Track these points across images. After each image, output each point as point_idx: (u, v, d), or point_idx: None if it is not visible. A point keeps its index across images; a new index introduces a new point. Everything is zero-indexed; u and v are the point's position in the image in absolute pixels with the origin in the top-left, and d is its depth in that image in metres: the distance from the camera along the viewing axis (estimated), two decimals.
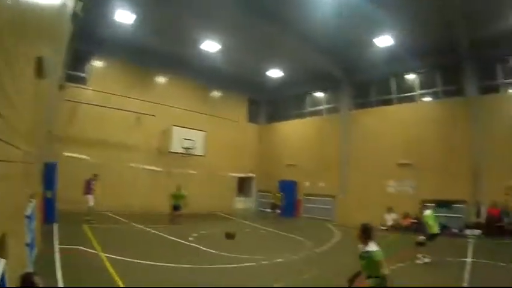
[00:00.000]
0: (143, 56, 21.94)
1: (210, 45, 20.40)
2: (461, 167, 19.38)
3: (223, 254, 11.32)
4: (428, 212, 12.37)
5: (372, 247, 5.99)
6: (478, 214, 17.83)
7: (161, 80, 24.27)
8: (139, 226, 16.12)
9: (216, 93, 27.42)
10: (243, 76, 26.41)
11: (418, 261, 11.33)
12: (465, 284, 8.97)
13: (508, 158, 17.73)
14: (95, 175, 16.52)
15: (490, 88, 19.71)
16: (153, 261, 9.60)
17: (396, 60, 21.44)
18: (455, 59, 20.18)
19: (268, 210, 24.41)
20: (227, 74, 25.40)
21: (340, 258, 11.88)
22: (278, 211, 23.37)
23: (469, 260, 11.94)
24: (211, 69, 24.29)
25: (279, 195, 24.03)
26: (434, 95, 21.95)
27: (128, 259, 9.61)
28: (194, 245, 12.79)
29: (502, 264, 10.89)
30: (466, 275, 9.90)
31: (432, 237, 11.75)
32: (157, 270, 9.08)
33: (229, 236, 14.36)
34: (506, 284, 9.09)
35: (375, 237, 6.26)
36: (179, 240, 13.46)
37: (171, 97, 23.76)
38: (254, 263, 10.47)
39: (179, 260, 9.91)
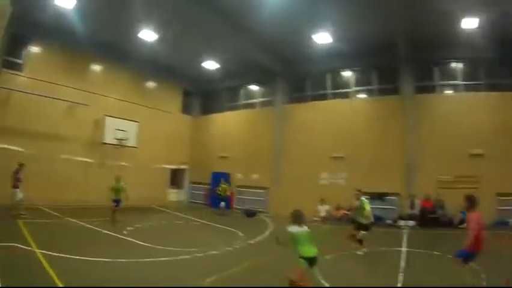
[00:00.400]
0: (80, 43, 20.90)
1: (147, 34, 19.94)
2: (395, 161, 20.83)
3: (158, 247, 11.40)
4: (364, 199, 13.20)
5: (293, 229, 7.18)
6: (412, 206, 18.99)
7: (96, 68, 23.43)
8: (74, 220, 15.67)
9: (151, 84, 27.02)
10: (178, 67, 26.27)
11: (359, 252, 12.05)
12: (401, 273, 9.42)
13: (439, 154, 19.76)
14: (21, 164, 15.65)
15: (425, 88, 21.55)
16: (90, 257, 9.49)
17: (333, 57, 22.53)
18: (393, 59, 21.54)
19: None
20: (163, 65, 25.13)
21: (273, 249, 12.37)
22: (223, 204, 22.91)
23: (404, 249, 12.71)
24: (147, 59, 23.99)
25: (225, 186, 23.64)
26: (370, 92, 23.20)
27: (65, 255, 9.41)
28: (129, 239, 12.71)
29: (436, 253, 11.67)
30: (402, 264, 10.53)
31: (368, 226, 12.58)
32: (95, 266, 8.96)
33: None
34: (442, 272, 9.79)
35: (304, 222, 7.35)
36: (114, 234, 13.30)
37: (106, 86, 23.20)
38: (188, 256, 10.64)
39: (115, 255, 9.74)
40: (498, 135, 19.33)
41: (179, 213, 20.96)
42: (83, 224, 15.25)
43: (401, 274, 9.38)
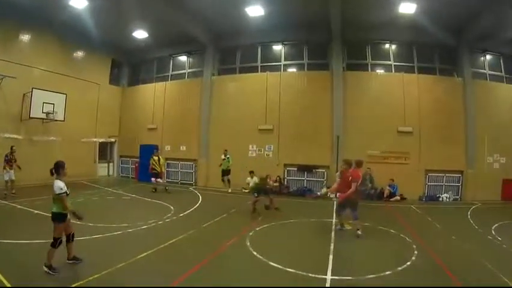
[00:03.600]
0: (4, 10, 20.02)
1: (77, 1, 19.42)
2: (323, 135, 22.50)
3: (89, 224, 11.17)
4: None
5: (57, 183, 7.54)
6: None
7: (23, 37, 22.26)
8: (4, 202, 15.41)
9: (79, 54, 26.17)
10: (107, 36, 25.63)
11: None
12: (332, 244, 10.35)
13: (368, 130, 21.62)
14: None
15: (357, 66, 23.23)
16: (19, 240, 9.51)
17: (264, 30, 23.30)
18: (325, 35, 22.65)
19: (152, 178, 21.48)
20: (92, 34, 24.15)
21: (202, 221, 13.11)
22: (160, 180, 21.56)
23: (335, 220, 13.51)
24: (75, 28, 23.22)
25: (156, 158, 21.85)
26: (300, 66, 24.28)
27: None
28: None
29: (366, 224, 12.54)
30: (332, 235, 11.60)
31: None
32: (25, 248, 9.02)
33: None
34: (369, 241, 10.95)
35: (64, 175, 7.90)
36: (44, 213, 12.65)
37: (33, 57, 22.22)
38: (121, 232, 10.97)
39: (46, 236, 8.95)
40: (427, 115, 21.84)
41: (109, 189, 20.92)
42: (14, 205, 15.01)
43: (332, 243, 10.43)
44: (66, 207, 7.50)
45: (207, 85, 25.50)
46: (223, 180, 22.27)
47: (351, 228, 12.00)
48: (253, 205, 15.09)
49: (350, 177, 11.65)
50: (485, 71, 23.46)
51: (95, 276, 7.20)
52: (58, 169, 7.88)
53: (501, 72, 23.51)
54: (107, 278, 7.20)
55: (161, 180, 21.62)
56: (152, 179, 21.21)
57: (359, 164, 12.33)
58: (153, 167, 21.45)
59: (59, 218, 7.56)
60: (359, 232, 11.30)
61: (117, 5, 20.68)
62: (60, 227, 7.56)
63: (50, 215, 7.61)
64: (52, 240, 7.42)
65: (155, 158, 21.63)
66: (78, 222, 8.93)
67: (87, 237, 10.08)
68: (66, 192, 7.57)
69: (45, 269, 7.26)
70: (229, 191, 21.72)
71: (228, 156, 22.19)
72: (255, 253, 9.21)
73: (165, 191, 20.60)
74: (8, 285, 6.61)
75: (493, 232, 12.60)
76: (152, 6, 20.68)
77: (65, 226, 7.68)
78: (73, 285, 6.81)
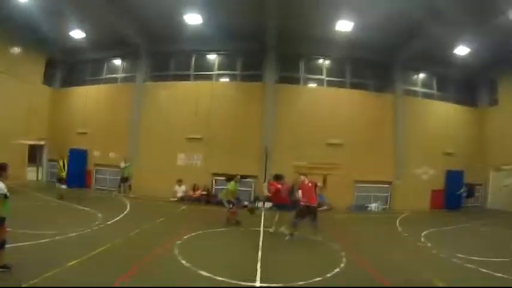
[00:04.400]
0: None
1: None
2: (253, 145, 23.68)
3: (16, 231, 10.39)
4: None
5: None
6: (269, 189, 20.81)
7: None
8: None
9: (14, 50, 25.41)
10: (44, 33, 24.82)
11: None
12: (260, 252, 10.83)
13: (297, 141, 23.07)
14: None
15: (289, 79, 24.42)
16: None
17: (200, 39, 23.98)
18: (259, 48, 23.83)
19: (57, 183, 20.29)
20: (28, 29, 23.69)
21: (130, 229, 13.27)
22: (63, 186, 19.91)
23: (262, 229, 14.56)
24: (13, 22, 22.59)
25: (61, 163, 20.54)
26: (233, 77, 25.31)
27: None
28: None
29: (297, 233, 13.13)
30: (260, 243, 12.16)
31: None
32: None
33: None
34: (294, 248, 11.65)
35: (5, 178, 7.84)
36: None
37: None
38: (48, 239, 10.71)
39: None
40: (358, 128, 23.70)
41: (38, 194, 20.56)
42: None
43: (260, 251, 10.94)
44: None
45: (139, 91, 26.29)
46: (119, 186, 23.42)
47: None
48: (234, 217, 15.67)
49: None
50: (417, 89, 25.76)
51: (23, 285, 7.05)
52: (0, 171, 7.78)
53: (433, 90, 25.72)
54: None
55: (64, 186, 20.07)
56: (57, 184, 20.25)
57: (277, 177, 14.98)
58: (59, 172, 20.49)
59: None
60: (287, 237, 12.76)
61: (55, 2, 20.75)
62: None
63: None
64: None
65: (60, 163, 20.49)
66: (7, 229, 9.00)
67: (15, 244, 9.88)
68: (6, 194, 7.60)
69: None
70: (131, 195, 22.04)
71: (128, 164, 23.38)
72: (183, 262, 9.43)
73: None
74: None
75: (422, 239, 13.92)
76: (90, 4, 20.71)
77: (2, 230, 7.69)
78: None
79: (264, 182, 20.86)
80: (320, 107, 23.64)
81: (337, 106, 23.63)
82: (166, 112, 25.12)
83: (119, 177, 23.48)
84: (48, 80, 29.18)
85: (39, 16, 21.91)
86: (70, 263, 8.55)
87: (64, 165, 20.33)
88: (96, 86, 28.04)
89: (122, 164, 23.14)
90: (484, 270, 9.81)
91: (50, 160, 28.26)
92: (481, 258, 11.00)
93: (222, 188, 21.87)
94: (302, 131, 23.23)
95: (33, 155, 28.20)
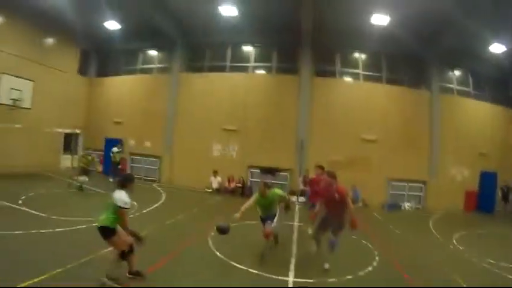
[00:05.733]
0: None
1: None
2: (288, 138, 23.34)
3: (53, 217, 11.52)
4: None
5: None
6: (305, 182, 19.53)
7: None
8: None
9: (49, 41, 25.89)
10: (79, 24, 25.13)
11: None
12: (294, 247, 10.81)
13: (332, 135, 22.71)
14: None
15: (325, 72, 24.07)
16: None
17: (236, 31, 23.74)
18: (295, 40, 23.48)
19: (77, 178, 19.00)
20: (63, 21, 24.00)
21: (165, 218, 13.49)
22: (85, 178, 18.84)
23: (296, 223, 14.44)
24: (46, 14, 22.97)
25: (90, 158, 19.97)
26: (268, 69, 25.12)
27: None
28: (24, 208, 12.66)
29: None
30: (294, 237, 12.14)
31: None
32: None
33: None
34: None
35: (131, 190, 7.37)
36: (8, 204, 13.15)
37: (1, 40, 21.94)
38: (85, 226, 10.86)
39: (11, 227, 9.81)
40: (392, 125, 22.99)
41: (73, 181, 20.93)
42: None
43: (293, 246, 10.88)
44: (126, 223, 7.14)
45: (175, 82, 26.16)
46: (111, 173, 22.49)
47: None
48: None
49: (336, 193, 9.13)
50: (453, 86, 24.93)
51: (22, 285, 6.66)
52: (126, 182, 7.41)
53: (469, 87, 24.87)
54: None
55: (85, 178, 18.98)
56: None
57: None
58: (83, 165, 19.38)
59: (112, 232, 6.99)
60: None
61: None
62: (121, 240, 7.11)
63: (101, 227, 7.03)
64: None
65: (88, 157, 19.87)
66: (42, 215, 8.94)
67: (51, 230, 10.21)
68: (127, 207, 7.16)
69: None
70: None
71: (120, 149, 23.59)
72: (217, 253, 9.52)
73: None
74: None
75: (455, 242, 13.50)
76: None
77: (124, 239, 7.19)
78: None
79: (300, 176, 20.67)
80: (355, 102, 23.20)
81: (372, 101, 23.19)
82: (201, 103, 25.05)
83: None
84: (83, 69, 29.62)
85: (73, 7, 22.25)
86: (105, 250, 8.36)
87: (92, 159, 20.05)
88: (131, 76, 28.22)
89: (115, 149, 23.05)
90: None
91: (85, 148, 28.06)
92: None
93: (257, 181, 21.59)
94: (337, 125, 22.88)
95: (69, 143, 28.55)
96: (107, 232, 6.91)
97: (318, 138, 22.69)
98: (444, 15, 19.16)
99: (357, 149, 22.51)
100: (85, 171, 19.03)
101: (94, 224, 10.43)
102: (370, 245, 11.76)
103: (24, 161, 21.07)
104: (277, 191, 10.30)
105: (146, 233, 10.09)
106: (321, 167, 12.54)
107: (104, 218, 6.98)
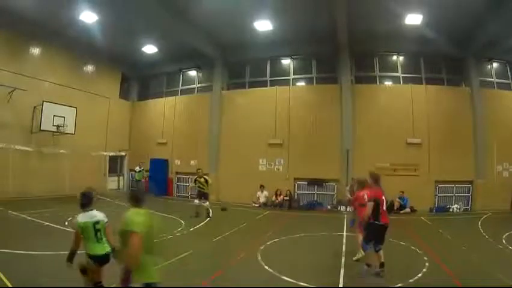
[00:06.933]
0: (16, 22, 20.39)
1: (87, 16, 20.02)
2: (333, 148, 23.11)
3: None
4: None
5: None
6: (352, 192, 20.37)
7: (34, 50, 22.80)
8: (15, 213, 15.92)
9: (89, 68, 26.76)
10: (117, 51, 26.31)
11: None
12: (343, 257, 10.35)
13: (377, 142, 22.17)
14: None
15: (364, 78, 23.92)
16: (32, 251, 9.78)
17: (273, 44, 24.04)
18: (332, 49, 23.43)
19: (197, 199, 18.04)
20: (101, 48, 24.88)
21: (213, 234, 13.43)
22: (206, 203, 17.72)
23: (344, 233, 14.11)
24: (85, 42, 23.63)
25: (203, 180, 18.10)
26: (309, 80, 25.11)
27: (8, 250, 9.63)
28: (70, 229, 12.02)
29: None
30: (344, 248, 11.59)
31: None
32: (39, 260, 9.21)
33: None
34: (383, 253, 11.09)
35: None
36: (55, 225, 13.67)
37: (43, 70, 22.72)
38: None
39: (57, 247, 9.32)
40: (435, 126, 22.33)
41: (119, 202, 21.18)
42: (24, 216, 15.49)
43: (343, 257, 10.44)
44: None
45: (217, 100, 26.33)
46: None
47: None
48: None
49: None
50: (492, 79, 24.13)
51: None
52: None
53: (508, 79, 24.12)
54: None
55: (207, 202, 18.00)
56: (196, 200, 18.05)
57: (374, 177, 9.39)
58: (200, 188, 18.09)
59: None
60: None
61: (126, 20, 21.44)
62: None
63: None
64: None
65: (201, 180, 18.14)
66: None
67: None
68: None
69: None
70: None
71: (142, 168, 25.66)
72: (266, 267, 9.30)
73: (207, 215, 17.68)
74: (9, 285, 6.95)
75: (504, 241, 13.00)
76: (160, 20, 21.28)
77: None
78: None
79: (346, 186, 20.59)
80: (396, 105, 22.86)
81: (414, 103, 22.71)
82: (245, 119, 25.20)
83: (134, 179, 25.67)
84: (125, 93, 30.40)
85: (110, 33, 22.83)
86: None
87: (206, 181, 18.09)
88: (173, 97, 28.69)
89: (137, 168, 24.58)
90: None
91: (131, 170, 29.21)
92: None
93: (305, 193, 22.75)
94: (381, 131, 22.43)
95: (114, 165, 29.22)
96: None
97: (363, 146, 22.37)
98: (476, 8, 18.86)
99: (403, 154, 22.17)
100: (202, 195, 17.96)
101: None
102: (419, 251, 11.35)
103: (70, 184, 21.55)
104: None
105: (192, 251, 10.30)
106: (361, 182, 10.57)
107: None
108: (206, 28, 22.84)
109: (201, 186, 17.97)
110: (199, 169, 18.87)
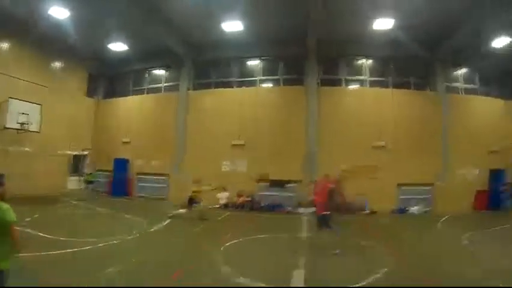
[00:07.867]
0: None
1: (58, 11, 19.50)
2: (296, 150, 23.01)
3: (59, 238, 11.40)
4: None
5: None
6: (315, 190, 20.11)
7: (0, 45, 22.13)
8: None
9: (56, 65, 26.03)
10: (85, 48, 25.69)
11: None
12: (303, 257, 10.35)
13: (341, 144, 22.26)
14: None
15: (331, 81, 23.90)
16: None
17: (241, 45, 23.98)
18: (300, 51, 23.54)
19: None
20: (69, 45, 24.25)
21: (173, 235, 13.53)
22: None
23: (304, 235, 14.20)
24: (53, 38, 23.12)
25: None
26: (275, 82, 24.99)
27: None
28: (28, 230, 12.00)
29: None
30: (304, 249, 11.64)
31: None
32: None
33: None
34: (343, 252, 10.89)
35: None
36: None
37: (9, 65, 21.99)
38: (90, 246, 10.69)
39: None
40: (400, 129, 22.58)
41: (80, 202, 20.83)
42: None
43: (302, 258, 10.37)
44: None
45: (183, 99, 26.05)
46: (86, 187, 26.20)
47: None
48: None
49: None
50: (459, 85, 24.62)
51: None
52: None
53: (475, 85, 24.70)
54: None
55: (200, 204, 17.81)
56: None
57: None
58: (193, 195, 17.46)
59: None
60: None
61: (96, 16, 21.03)
62: None
63: None
64: None
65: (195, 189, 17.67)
66: (48, 236, 8.78)
67: (55, 252, 10.04)
68: None
69: None
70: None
71: (93, 172, 27.20)
72: (225, 268, 9.20)
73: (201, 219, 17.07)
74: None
75: (464, 242, 13.16)
76: (130, 17, 20.93)
77: None
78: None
79: (308, 185, 20.40)
80: (362, 108, 23.02)
81: (380, 106, 22.94)
82: (210, 119, 25.03)
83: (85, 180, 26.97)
84: (91, 92, 29.74)
85: (80, 30, 22.23)
86: (110, 269, 8.57)
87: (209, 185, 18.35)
88: (139, 96, 28.44)
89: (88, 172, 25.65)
90: None
91: (98, 170, 28.49)
92: None
93: (268, 195, 22.59)
94: (345, 133, 22.52)
95: (76, 164, 28.65)
96: None
97: (327, 148, 22.29)
98: (446, 15, 19.17)
99: (367, 157, 22.10)
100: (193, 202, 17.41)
101: (100, 245, 10.61)
102: (379, 250, 11.55)
103: (32, 183, 20.95)
104: None
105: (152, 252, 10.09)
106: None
107: None
108: (175, 26, 22.56)
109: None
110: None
